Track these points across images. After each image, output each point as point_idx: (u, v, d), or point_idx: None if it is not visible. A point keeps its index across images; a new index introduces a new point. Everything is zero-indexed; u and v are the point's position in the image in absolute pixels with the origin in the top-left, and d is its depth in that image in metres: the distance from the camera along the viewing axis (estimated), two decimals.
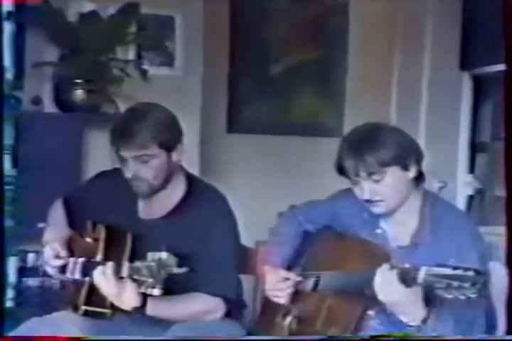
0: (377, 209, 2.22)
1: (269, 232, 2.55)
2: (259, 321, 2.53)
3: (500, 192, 4.05)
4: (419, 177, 2.25)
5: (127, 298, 2.22)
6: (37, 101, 3.41)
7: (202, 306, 2.39)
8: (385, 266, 2.04)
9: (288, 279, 2.36)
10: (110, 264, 2.22)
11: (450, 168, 4.32)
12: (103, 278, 2.22)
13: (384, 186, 2.17)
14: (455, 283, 1.88)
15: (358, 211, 2.31)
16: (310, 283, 2.31)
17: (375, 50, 4.36)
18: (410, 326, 2.05)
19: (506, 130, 2.04)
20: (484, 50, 4.10)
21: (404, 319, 2.05)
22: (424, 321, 2.04)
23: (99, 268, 2.23)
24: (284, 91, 4.33)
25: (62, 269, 2.40)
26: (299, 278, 2.36)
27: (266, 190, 4.08)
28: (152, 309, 2.27)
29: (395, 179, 2.18)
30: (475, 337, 2.19)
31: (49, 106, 3.50)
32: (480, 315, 2.14)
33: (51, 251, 2.41)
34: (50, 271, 2.44)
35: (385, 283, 2.02)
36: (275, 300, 2.37)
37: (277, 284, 2.36)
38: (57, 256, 2.41)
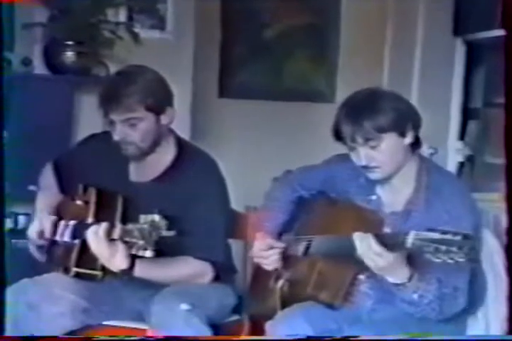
0: (373, 175, 2.22)
1: (263, 197, 2.54)
2: (251, 285, 2.54)
3: (491, 158, 4.08)
4: (416, 143, 2.24)
5: (117, 259, 2.22)
6: (27, 62, 3.38)
7: (190, 270, 2.40)
8: (361, 234, 2.04)
9: (274, 247, 2.36)
10: (104, 225, 2.22)
11: (441, 134, 4.32)
12: (95, 238, 2.22)
13: (380, 152, 2.17)
14: (443, 247, 1.88)
15: (354, 176, 2.30)
16: (301, 247, 2.32)
17: (368, 15, 4.33)
18: (396, 284, 2.06)
19: (506, 96, 2.02)
20: (477, 16, 4.08)
21: (390, 279, 2.07)
22: (410, 279, 2.05)
23: (92, 228, 2.23)
24: (276, 56, 4.31)
25: (54, 232, 2.41)
26: (284, 246, 2.36)
27: (257, 154, 4.08)
28: (140, 271, 2.28)
29: (392, 145, 2.17)
30: (475, 337, 2.23)
31: (39, 68, 3.47)
32: (464, 281, 2.15)
33: (36, 229, 2.41)
34: (32, 250, 2.46)
35: (368, 251, 2.03)
36: (263, 266, 2.38)
37: (262, 252, 2.36)
38: (42, 236, 2.40)
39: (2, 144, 2.12)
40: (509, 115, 1.99)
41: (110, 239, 2.20)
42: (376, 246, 2.01)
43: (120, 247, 2.20)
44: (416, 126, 2.21)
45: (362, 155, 2.18)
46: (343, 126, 2.17)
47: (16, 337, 2.06)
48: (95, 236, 2.21)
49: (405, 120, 2.18)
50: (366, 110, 2.15)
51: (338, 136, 2.21)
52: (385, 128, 2.14)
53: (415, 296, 2.08)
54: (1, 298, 2.00)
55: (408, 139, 2.20)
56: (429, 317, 2.13)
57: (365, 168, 2.20)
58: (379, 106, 2.15)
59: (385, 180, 2.25)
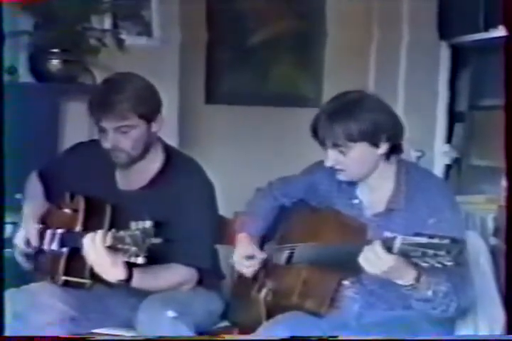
0: (340, 177, 2.23)
1: (245, 206, 2.55)
2: (236, 292, 2.53)
3: (477, 161, 4.11)
4: (394, 151, 2.22)
5: (117, 270, 2.19)
6: (12, 71, 3.36)
7: (179, 277, 2.40)
8: (366, 248, 2.00)
9: (256, 257, 2.36)
10: (100, 233, 2.16)
11: (428, 137, 4.34)
12: (93, 247, 2.16)
13: (348, 158, 2.17)
14: (430, 252, 1.87)
15: (335, 181, 2.30)
16: (284, 256, 2.32)
17: (353, 19, 4.34)
18: (406, 286, 2.03)
19: (506, 97, 2.03)
20: (462, 20, 4.10)
21: (399, 282, 2.03)
22: (418, 279, 2.02)
23: (88, 237, 2.17)
24: (262, 61, 4.31)
25: (40, 241, 2.40)
26: (265, 257, 2.36)
27: (245, 160, 4.08)
28: (136, 281, 2.25)
29: (362, 154, 2.17)
30: (474, 337, 2.23)
31: (24, 77, 3.46)
32: (467, 271, 2.14)
33: (22, 237, 2.40)
34: (19, 258, 2.44)
35: (372, 261, 1.99)
36: (241, 272, 2.38)
37: (243, 260, 2.36)
38: (28, 244, 2.40)
39: (2, 153, 2.11)
40: (509, 116, 1.99)
41: (107, 247, 2.15)
42: (381, 251, 1.97)
43: (119, 256, 2.14)
44: (392, 138, 2.18)
45: (329, 156, 2.19)
46: (319, 127, 2.18)
47: (15, 337, 2.05)
48: (93, 246, 2.16)
49: (379, 132, 2.15)
50: (341, 115, 2.14)
51: (315, 134, 2.21)
52: (354, 138, 2.14)
53: (430, 293, 2.04)
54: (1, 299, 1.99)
55: (381, 150, 2.18)
56: (447, 314, 2.09)
57: (332, 168, 2.21)
58: (355, 115, 2.13)
59: (360, 181, 2.25)
